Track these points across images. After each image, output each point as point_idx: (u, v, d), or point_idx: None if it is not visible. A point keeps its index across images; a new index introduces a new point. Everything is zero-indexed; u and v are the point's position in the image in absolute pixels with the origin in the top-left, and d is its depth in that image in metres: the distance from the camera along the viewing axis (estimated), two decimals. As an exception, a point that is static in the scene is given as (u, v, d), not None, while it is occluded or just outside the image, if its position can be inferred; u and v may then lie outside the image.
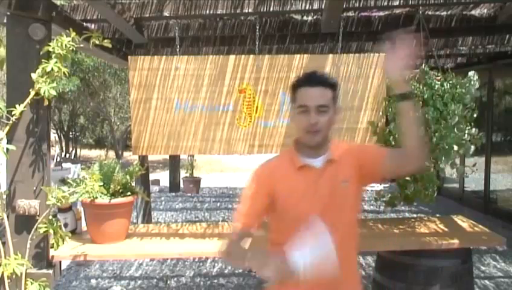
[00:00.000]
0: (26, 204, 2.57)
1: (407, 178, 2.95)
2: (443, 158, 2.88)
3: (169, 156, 9.36)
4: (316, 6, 3.12)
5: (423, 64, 3.19)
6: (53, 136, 14.48)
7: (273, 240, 1.76)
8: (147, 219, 6.05)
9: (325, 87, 1.68)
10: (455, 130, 2.86)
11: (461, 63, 7.13)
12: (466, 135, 2.90)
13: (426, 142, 2.52)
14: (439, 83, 2.94)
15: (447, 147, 2.82)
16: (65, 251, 2.76)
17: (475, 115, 2.98)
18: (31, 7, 2.55)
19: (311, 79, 1.69)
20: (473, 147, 2.96)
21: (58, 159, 12.41)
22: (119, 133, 16.10)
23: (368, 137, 3.15)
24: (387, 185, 8.85)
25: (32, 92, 2.50)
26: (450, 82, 2.94)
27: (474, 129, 2.94)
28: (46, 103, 2.55)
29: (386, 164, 1.70)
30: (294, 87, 1.71)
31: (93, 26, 3.74)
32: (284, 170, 1.72)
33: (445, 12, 3.85)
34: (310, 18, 3.84)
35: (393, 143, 2.97)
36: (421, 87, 2.94)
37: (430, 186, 2.96)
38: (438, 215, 4.70)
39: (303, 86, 1.68)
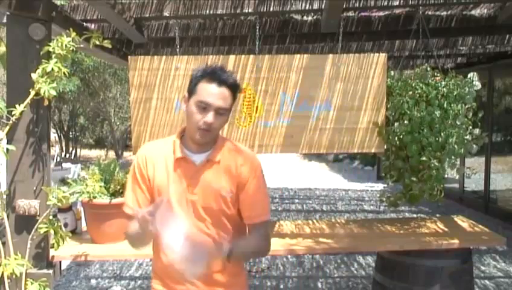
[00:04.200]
0: (26, 204, 2.57)
1: (413, 178, 2.95)
2: (447, 158, 2.88)
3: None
4: (316, 6, 3.12)
5: (425, 64, 3.20)
6: (53, 136, 14.47)
7: None
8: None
9: (230, 89, 1.63)
10: (460, 130, 2.86)
11: (461, 63, 7.14)
12: (468, 135, 2.90)
13: None
14: (444, 82, 2.94)
15: (451, 146, 2.82)
16: (65, 251, 2.76)
17: (480, 115, 2.99)
18: (31, 7, 2.55)
19: (219, 77, 1.61)
20: (476, 147, 2.97)
21: (58, 159, 12.41)
22: (119, 133, 16.10)
23: (367, 137, 3.14)
24: (386, 185, 8.86)
25: (32, 92, 2.50)
26: (452, 82, 2.95)
27: (477, 129, 2.95)
28: (46, 103, 2.55)
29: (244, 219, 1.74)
30: (199, 79, 1.63)
31: (93, 26, 3.74)
32: (163, 157, 1.70)
33: (445, 12, 3.85)
34: (310, 18, 3.83)
35: (397, 143, 2.97)
36: (423, 87, 2.94)
37: (438, 186, 2.96)
38: (438, 215, 4.71)
39: (208, 81, 1.61)
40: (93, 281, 4.51)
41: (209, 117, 1.59)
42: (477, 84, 2.97)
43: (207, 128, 1.61)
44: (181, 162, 1.68)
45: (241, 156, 1.73)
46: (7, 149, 2.48)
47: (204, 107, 1.60)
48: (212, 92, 1.60)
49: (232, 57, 3.14)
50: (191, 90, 1.65)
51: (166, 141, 1.77)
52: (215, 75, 1.62)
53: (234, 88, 1.65)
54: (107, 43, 2.73)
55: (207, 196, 1.67)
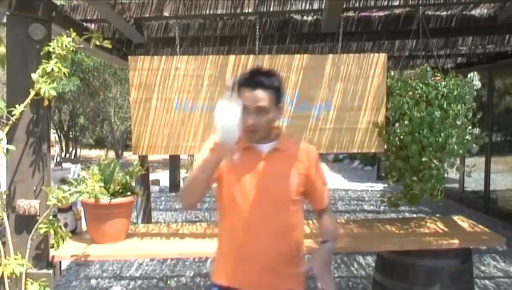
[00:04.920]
0: (26, 204, 2.57)
1: (414, 178, 2.95)
2: (447, 158, 2.88)
3: (169, 156, 9.35)
4: (316, 6, 3.12)
5: (425, 64, 3.20)
6: (53, 136, 14.48)
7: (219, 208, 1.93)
8: (147, 219, 6.05)
9: (266, 89, 1.76)
10: (460, 130, 2.87)
11: (461, 63, 7.14)
12: (468, 135, 2.90)
13: None
14: (444, 82, 2.94)
15: (451, 146, 2.82)
16: (65, 251, 2.76)
17: (479, 116, 2.99)
18: (31, 7, 2.55)
19: (253, 81, 1.76)
20: (476, 147, 2.97)
21: (58, 159, 12.42)
22: (119, 133, 16.10)
23: (367, 137, 3.14)
24: (386, 185, 8.86)
25: (32, 92, 2.50)
26: (452, 82, 2.95)
27: (477, 129, 2.95)
28: (46, 103, 2.55)
29: (312, 203, 1.94)
30: (239, 86, 1.77)
31: (93, 26, 3.74)
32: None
33: (445, 12, 3.85)
34: (310, 18, 3.84)
35: (398, 143, 2.97)
36: (423, 87, 2.94)
37: (438, 186, 2.96)
38: (438, 215, 4.70)
39: (244, 86, 1.76)
40: (93, 281, 4.51)
41: (250, 119, 1.74)
42: (478, 84, 2.97)
43: (251, 128, 1.76)
44: (248, 151, 1.81)
45: (303, 146, 1.93)
46: (7, 149, 2.48)
47: (245, 110, 1.73)
48: (247, 96, 1.75)
49: (232, 57, 3.14)
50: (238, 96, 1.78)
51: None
52: (249, 79, 1.78)
53: (267, 86, 1.77)
54: (107, 43, 2.72)
55: (276, 183, 1.81)
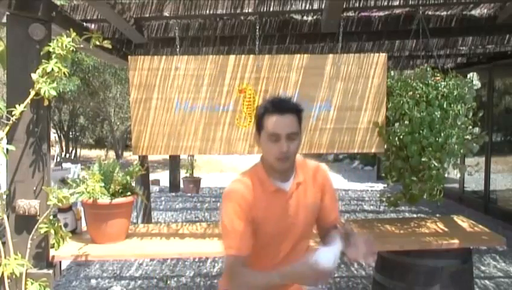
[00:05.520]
0: (26, 204, 2.57)
1: (413, 178, 2.95)
2: (447, 159, 2.88)
3: (169, 156, 9.36)
4: (316, 6, 3.12)
5: (425, 64, 3.20)
6: (53, 136, 14.48)
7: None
8: (147, 219, 6.05)
9: (294, 114, 1.74)
10: (460, 130, 2.86)
11: (461, 63, 7.14)
12: (468, 135, 2.90)
13: None
14: (444, 82, 2.94)
15: (451, 147, 2.82)
16: (65, 251, 2.77)
17: (480, 115, 2.99)
18: (31, 7, 2.54)
19: (281, 107, 1.73)
20: (476, 146, 2.97)
21: (58, 159, 12.41)
22: (119, 133, 16.09)
23: (368, 137, 3.14)
24: (386, 185, 8.85)
25: (32, 92, 2.50)
26: (452, 82, 2.95)
27: (476, 129, 2.95)
28: (46, 103, 2.55)
29: (320, 222, 1.91)
30: (263, 114, 1.74)
31: (93, 26, 3.74)
32: (259, 193, 1.77)
33: (445, 12, 3.84)
34: (310, 18, 3.83)
35: (398, 143, 2.97)
36: (424, 87, 2.94)
37: (438, 186, 2.96)
38: (438, 215, 4.70)
39: (273, 113, 1.71)
40: (93, 281, 4.51)
41: (283, 146, 1.70)
42: (477, 84, 2.97)
43: (284, 156, 1.72)
44: (275, 193, 1.79)
45: (313, 168, 1.91)
46: (7, 149, 2.48)
47: (275, 138, 1.70)
48: (278, 123, 1.70)
49: (232, 57, 3.14)
50: (260, 126, 1.76)
51: (250, 177, 1.82)
52: (275, 106, 1.73)
53: (296, 111, 1.75)
54: (107, 43, 2.72)
55: (303, 218, 1.82)
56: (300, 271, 1.56)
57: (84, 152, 18.09)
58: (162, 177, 10.95)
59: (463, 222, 3.37)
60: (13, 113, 2.49)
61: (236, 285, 1.73)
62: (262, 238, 1.77)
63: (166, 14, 3.20)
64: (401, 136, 2.94)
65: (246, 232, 1.72)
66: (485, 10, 3.83)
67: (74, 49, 2.59)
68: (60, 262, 2.87)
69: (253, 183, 1.78)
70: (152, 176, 9.07)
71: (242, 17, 3.80)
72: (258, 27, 3.37)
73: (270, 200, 1.77)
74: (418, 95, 2.95)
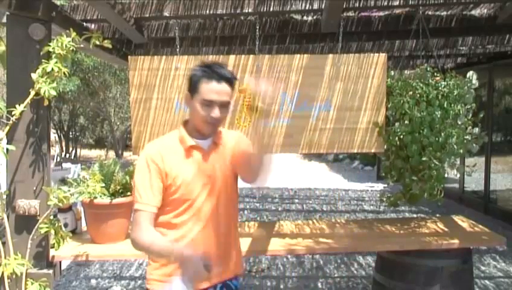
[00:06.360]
0: (26, 204, 2.57)
1: (414, 177, 2.95)
2: (447, 158, 2.88)
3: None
4: (316, 6, 3.12)
5: (425, 64, 3.20)
6: (53, 136, 14.48)
7: (160, 219, 1.81)
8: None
9: (229, 83, 1.76)
10: (460, 130, 2.87)
11: (461, 63, 7.14)
12: (468, 135, 2.90)
13: None
14: (444, 82, 2.95)
15: (452, 146, 2.82)
16: (65, 251, 2.76)
17: (481, 115, 2.99)
18: (31, 7, 2.55)
19: (219, 74, 1.73)
20: (476, 146, 2.97)
21: (58, 159, 12.41)
22: (119, 133, 16.10)
23: (367, 137, 3.14)
24: (386, 185, 8.86)
25: (32, 92, 2.50)
26: (452, 82, 2.95)
27: (476, 129, 2.95)
28: (46, 103, 2.55)
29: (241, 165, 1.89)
30: (200, 78, 1.74)
31: (93, 26, 3.74)
32: (175, 149, 1.81)
33: (445, 12, 3.85)
34: (310, 18, 3.83)
35: (398, 143, 2.97)
36: (424, 87, 2.94)
37: (438, 186, 2.96)
38: (438, 215, 4.71)
39: (210, 80, 1.72)
40: (93, 281, 4.51)
41: (216, 112, 1.74)
42: (475, 83, 2.97)
43: (215, 122, 1.76)
44: (191, 149, 1.81)
45: (232, 133, 2.03)
46: (7, 149, 2.48)
47: (209, 104, 1.73)
48: (214, 90, 1.73)
49: (232, 57, 3.14)
50: (193, 89, 1.76)
51: (170, 136, 1.89)
52: (213, 72, 1.73)
53: (232, 81, 1.78)
54: (107, 43, 2.72)
55: (218, 176, 1.83)
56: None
57: (84, 152, 18.10)
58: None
59: (463, 222, 3.37)
60: (13, 113, 2.49)
61: (138, 242, 1.76)
62: (176, 194, 1.77)
63: (166, 14, 3.21)
64: (402, 136, 2.94)
65: (155, 187, 1.74)
66: (485, 10, 3.83)
67: (74, 49, 2.59)
68: (60, 262, 2.86)
69: (171, 140, 1.84)
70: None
71: (242, 17, 3.80)
72: (258, 27, 3.37)
73: (186, 155, 1.79)
74: (418, 95, 2.95)
